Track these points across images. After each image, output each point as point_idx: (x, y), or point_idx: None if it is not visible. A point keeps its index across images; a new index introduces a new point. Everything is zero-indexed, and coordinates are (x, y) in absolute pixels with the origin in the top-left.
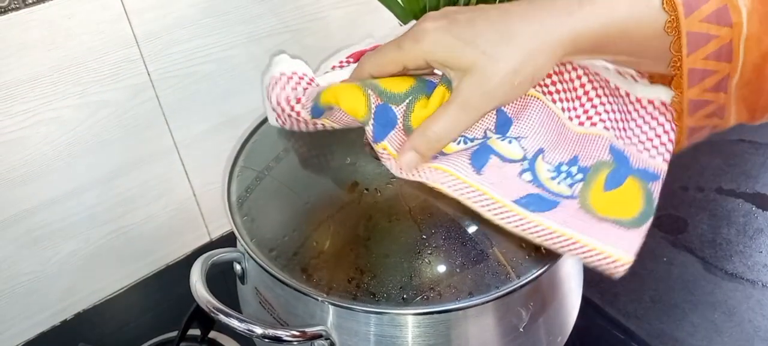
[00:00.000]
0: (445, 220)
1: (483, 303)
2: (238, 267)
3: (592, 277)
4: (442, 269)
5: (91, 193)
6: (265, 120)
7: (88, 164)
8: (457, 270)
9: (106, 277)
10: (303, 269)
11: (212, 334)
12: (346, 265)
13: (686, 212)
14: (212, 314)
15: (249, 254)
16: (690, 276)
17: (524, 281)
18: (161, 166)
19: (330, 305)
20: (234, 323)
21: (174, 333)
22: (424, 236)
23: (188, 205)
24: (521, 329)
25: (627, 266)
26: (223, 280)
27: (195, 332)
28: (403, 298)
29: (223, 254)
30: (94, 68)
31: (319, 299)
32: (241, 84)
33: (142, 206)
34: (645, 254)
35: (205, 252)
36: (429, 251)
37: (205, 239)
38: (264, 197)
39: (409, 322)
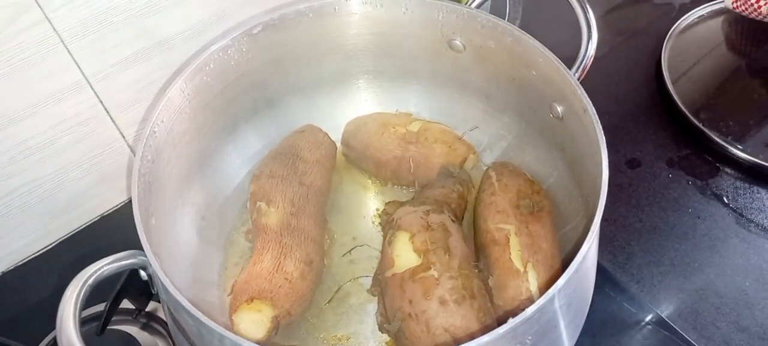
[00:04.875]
0: None
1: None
2: (143, 274)
3: (604, 235)
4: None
5: None
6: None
7: None
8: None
9: (26, 235)
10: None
11: (151, 306)
12: None
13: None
14: None
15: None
16: (719, 232)
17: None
18: (71, 106)
19: None
20: None
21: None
22: None
23: (117, 147)
24: None
25: None
26: None
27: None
28: None
29: (114, 263)
30: None
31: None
32: None
33: (54, 154)
34: (667, 203)
35: None
36: None
37: None
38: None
39: None
